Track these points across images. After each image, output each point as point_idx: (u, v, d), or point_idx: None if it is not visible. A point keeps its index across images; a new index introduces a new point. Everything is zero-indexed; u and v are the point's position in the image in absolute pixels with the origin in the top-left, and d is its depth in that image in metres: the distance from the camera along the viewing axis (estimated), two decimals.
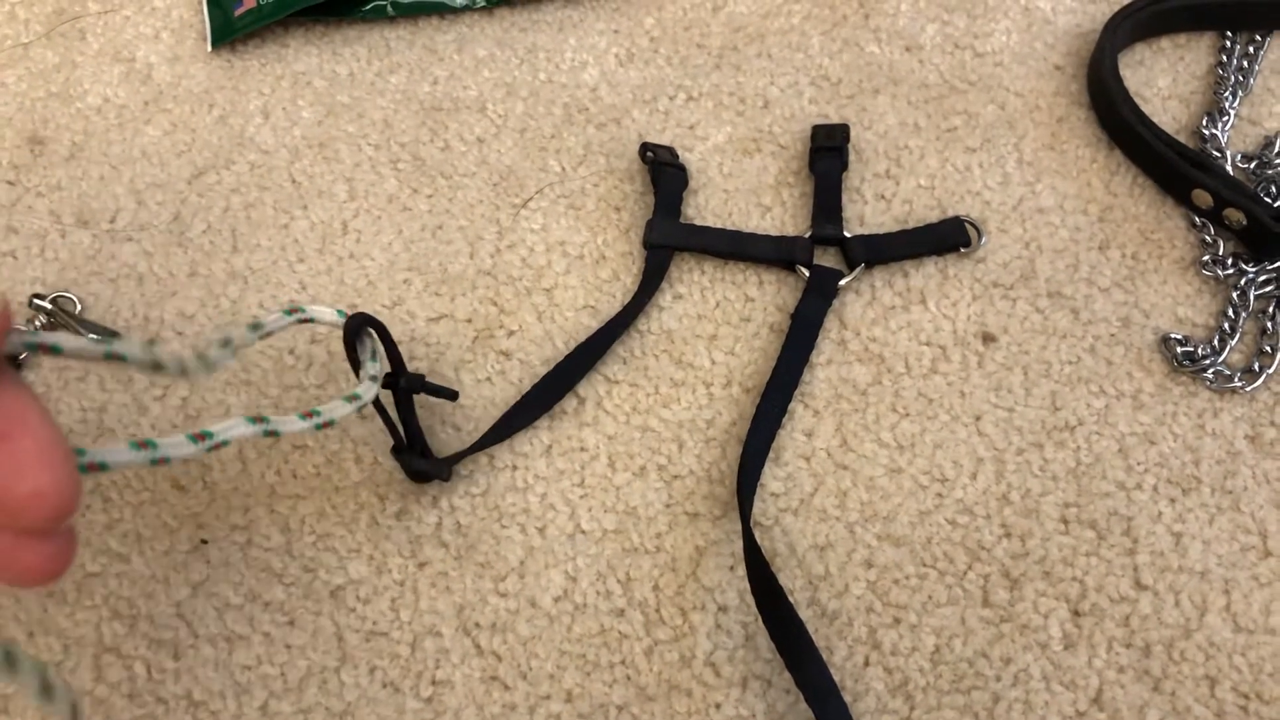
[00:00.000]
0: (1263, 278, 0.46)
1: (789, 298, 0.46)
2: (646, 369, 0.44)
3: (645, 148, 0.48)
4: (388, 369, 0.38)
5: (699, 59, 0.54)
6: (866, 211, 0.49)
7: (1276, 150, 0.50)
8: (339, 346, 0.43)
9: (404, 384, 0.38)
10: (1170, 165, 0.48)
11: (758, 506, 0.41)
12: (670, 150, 0.49)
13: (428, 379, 0.39)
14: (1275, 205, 0.47)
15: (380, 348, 0.37)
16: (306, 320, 0.36)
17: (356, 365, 0.36)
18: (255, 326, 0.34)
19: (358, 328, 0.36)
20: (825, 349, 0.45)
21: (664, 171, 0.48)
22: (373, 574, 0.39)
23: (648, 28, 0.55)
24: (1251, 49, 0.54)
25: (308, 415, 0.33)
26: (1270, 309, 0.45)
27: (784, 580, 0.39)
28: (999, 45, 0.54)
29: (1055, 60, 0.54)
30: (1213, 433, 0.43)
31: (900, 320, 0.46)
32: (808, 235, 0.47)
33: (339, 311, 0.36)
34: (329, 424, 0.34)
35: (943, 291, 0.46)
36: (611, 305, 0.46)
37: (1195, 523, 0.41)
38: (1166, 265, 0.47)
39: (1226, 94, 0.52)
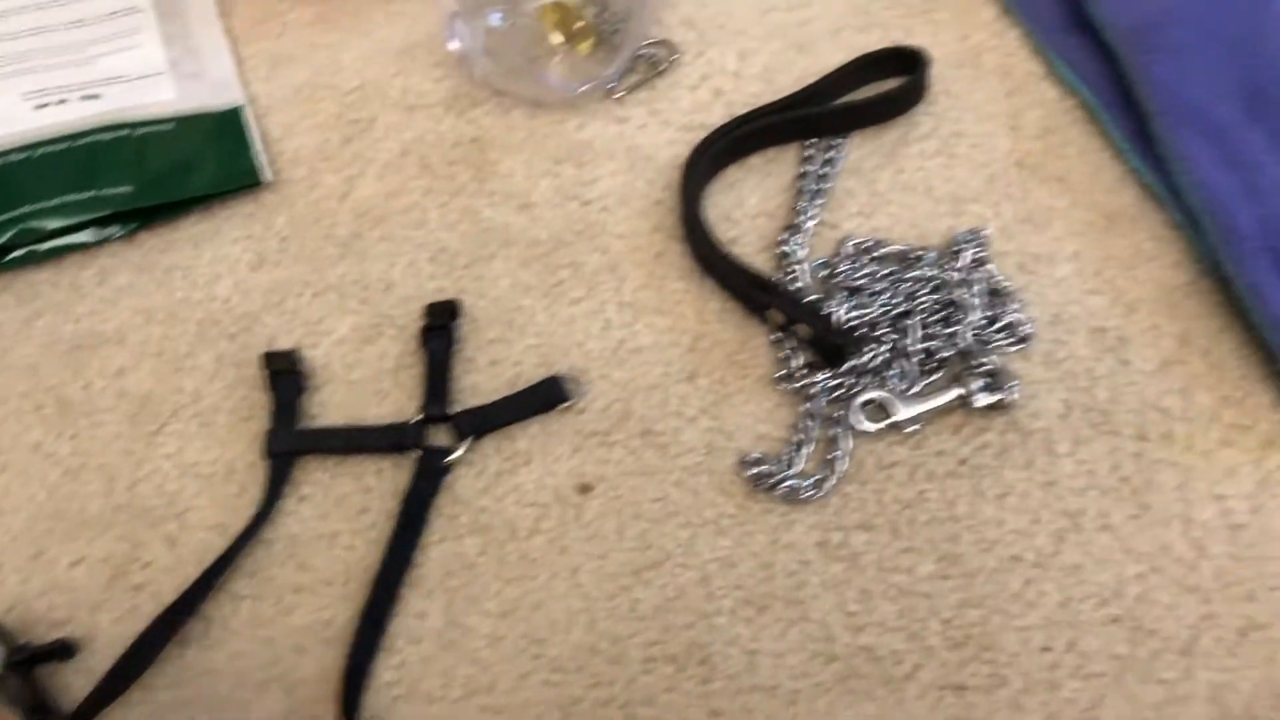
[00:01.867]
0: (832, 383, 0.51)
1: (406, 482, 0.50)
2: (271, 579, 0.48)
3: (265, 357, 0.52)
4: None
5: (328, 250, 0.57)
6: (480, 380, 0.53)
7: (843, 254, 0.54)
8: None
9: (10, 661, 0.42)
10: (745, 291, 0.52)
11: (374, 699, 0.45)
12: (288, 355, 0.53)
13: (34, 645, 0.43)
14: (837, 314, 0.52)
15: None
16: None
17: None
18: None
19: None
20: (438, 527, 0.49)
21: (279, 379, 0.52)
22: None
23: (279, 228, 0.58)
24: (830, 154, 0.58)
25: None
26: (836, 414, 0.49)
27: None
28: (605, 190, 0.58)
29: (655, 196, 0.58)
30: (786, 546, 0.47)
31: (507, 485, 0.50)
32: (418, 418, 0.51)
33: None
34: None
35: (546, 449, 0.50)
36: (239, 521, 0.50)
37: (768, 639, 0.45)
38: (750, 385, 0.51)
39: (803, 203, 0.56)
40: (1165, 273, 0.53)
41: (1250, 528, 0.45)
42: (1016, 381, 0.48)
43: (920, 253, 0.52)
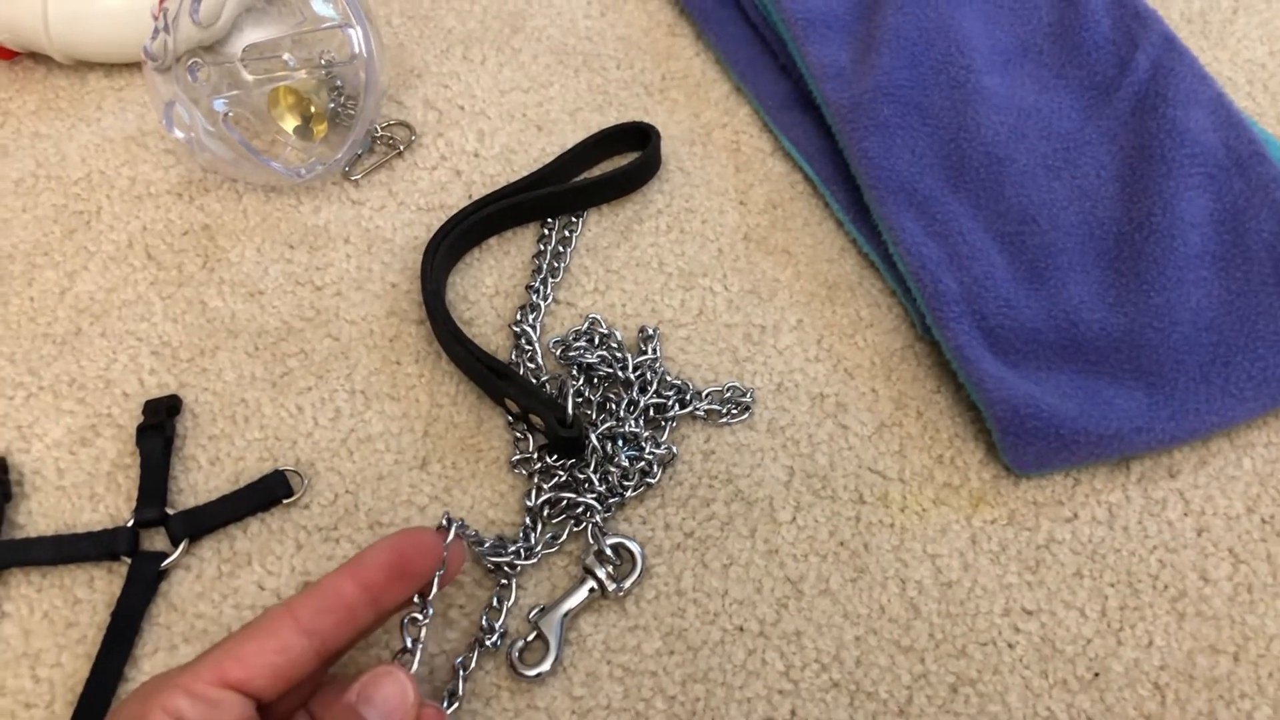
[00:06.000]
0: (560, 467, 0.50)
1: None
2: None
3: None
4: None
5: (44, 349, 0.55)
6: (200, 479, 0.50)
7: (576, 332, 0.54)
8: None
9: None
10: (483, 378, 0.51)
11: None
12: None
13: None
14: (569, 403, 0.51)
15: None
16: None
17: None
18: None
19: None
20: (151, 638, 0.46)
21: None
22: None
23: None
24: (568, 232, 0.58)
25: None
26: (561, 500, 0.49)
27: None
28: (338, 274, 0.57)
29: (391, 279, 0.57)
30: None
31: (226, 589, 0.47)
32: (130, 522, 0.49)
33: None
34: None
35: (268, 549, 0.48)
36: None
37: None
38: (483, 469, 0.51)
39: (538, 283, 0.56)
40: (882, 338, 0.54)
41: (961, 584, 0.47)
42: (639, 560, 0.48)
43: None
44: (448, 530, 0.41)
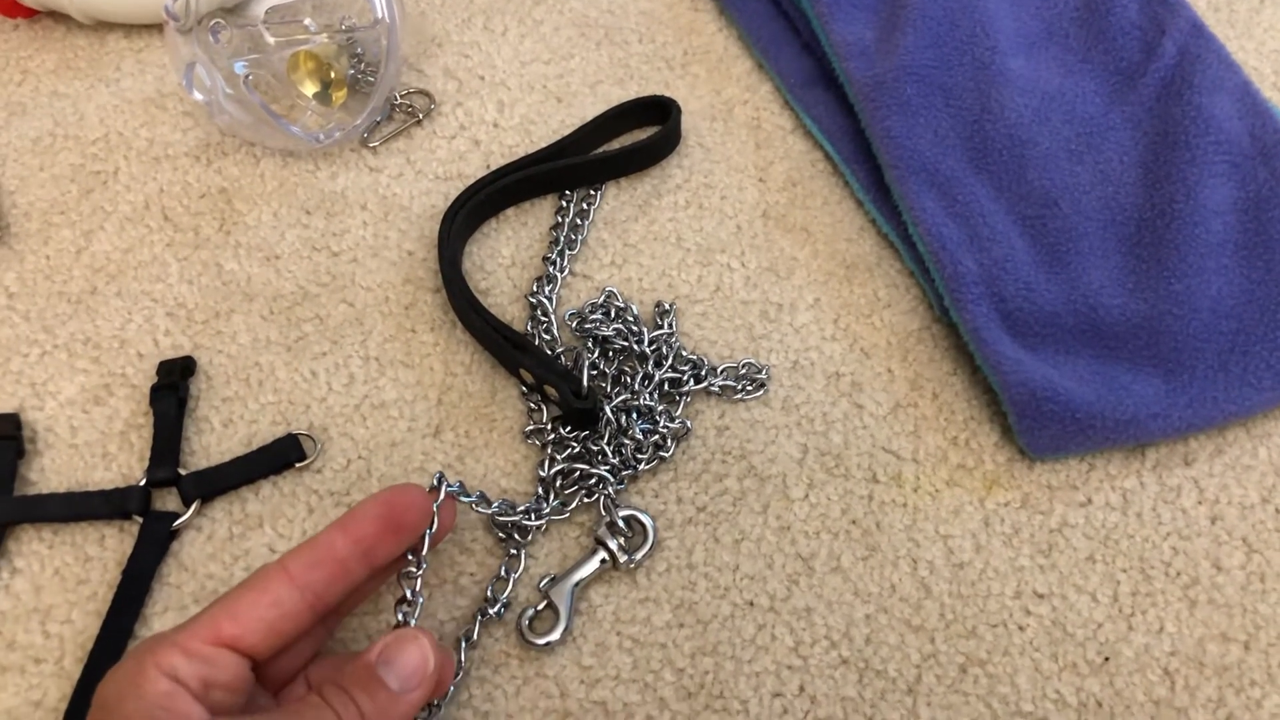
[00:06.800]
0: (574, 439, 0.50)
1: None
2: None
3: None
4: None
5: (59, 308, 0.54)
6: (213, 441, 0.50)
7: (592, 304, 0.53)
8: None
9: None
10: (499, 348, 0.51)
11: None
12: (8, 419, 0.50)
13: None
14: (584, 375, 0.51)
15: None
16: None
17: None
18: None
19: None
20: (162, 597, 0.46)
21: None
22: None
23: (7, 284, 0.55)
24: (586, 204, 0.58)
25: None
26: (574, 472, 0.49)
27: None
28: (354, 241, 0.57)
29: (408, 246, 0.57)
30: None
31: (237, 551, 0.47)
32: (142, 482, 0.48)
33: None
34: None
35: (279, 511, 0.48)
36: None
37: (501, 698, 0.44)
38: (496, 438, 0.51)
39: (555, 255, 0.56)
40: (899, 319, 0.54)
41: (973, 565, 0.47)
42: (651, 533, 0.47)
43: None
44: (438, 488, 0.41)
